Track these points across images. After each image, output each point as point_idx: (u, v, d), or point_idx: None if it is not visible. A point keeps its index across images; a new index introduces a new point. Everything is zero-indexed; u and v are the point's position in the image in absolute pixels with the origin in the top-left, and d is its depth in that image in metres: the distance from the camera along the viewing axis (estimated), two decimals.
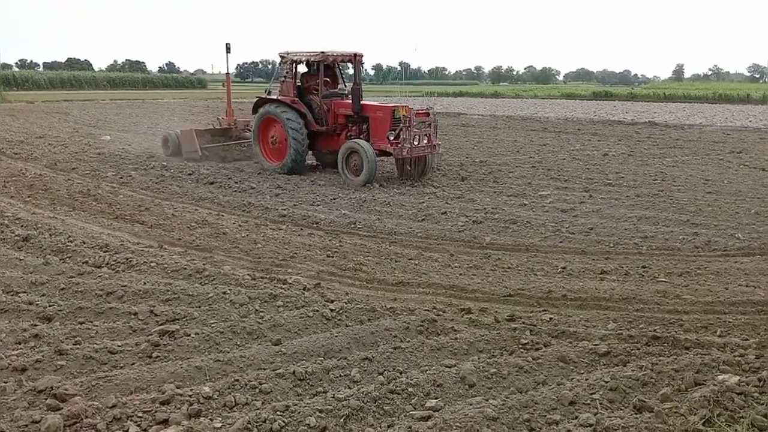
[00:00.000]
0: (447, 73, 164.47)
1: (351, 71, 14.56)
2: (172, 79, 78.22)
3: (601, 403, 3.92)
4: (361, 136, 12.80)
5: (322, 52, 13.16)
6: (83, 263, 6.67)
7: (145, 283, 5.98)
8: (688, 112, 36.11)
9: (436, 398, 3.99)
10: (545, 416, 3.77)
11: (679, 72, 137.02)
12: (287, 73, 13.48)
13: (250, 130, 15.07)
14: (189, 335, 4.85)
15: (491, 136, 22.51)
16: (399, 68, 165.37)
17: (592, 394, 4.01)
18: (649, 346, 4.89)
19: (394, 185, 12.17)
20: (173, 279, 6.23)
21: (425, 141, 12.50)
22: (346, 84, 14.39)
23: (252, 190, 11.38)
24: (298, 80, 13.62)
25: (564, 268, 7.03)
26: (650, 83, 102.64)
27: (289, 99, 13.27)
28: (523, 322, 5.36)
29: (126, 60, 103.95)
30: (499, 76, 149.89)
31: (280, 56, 13.66)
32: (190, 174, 12.71)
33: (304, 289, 5.97)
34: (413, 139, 12.19)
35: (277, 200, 10.59)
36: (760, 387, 4.10)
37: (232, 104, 16.69)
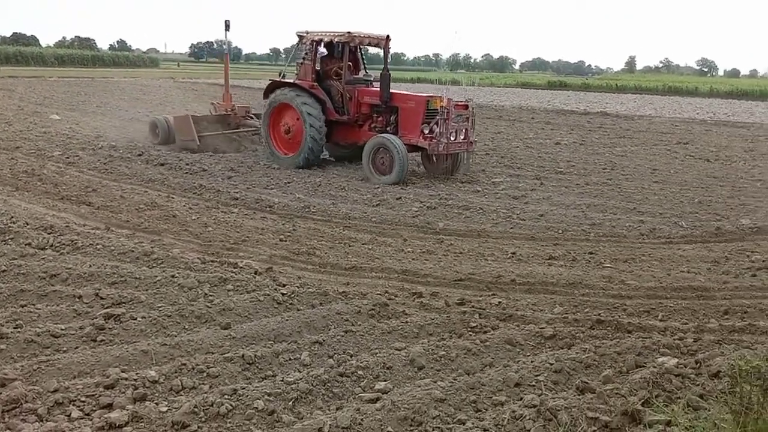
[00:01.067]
0: (405, 59, 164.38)
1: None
2: (123, 57, 75.87)
3: (545, 385, 4.02)
4: (388, 129, 11.61)
5: (349, 33, 11.77)
6: (26, 245, 6.45)
7: (90, 266, 5.83)
8: (638, 104, 37.07)
9: (385, 381, 4.02)
10: (491, 397, 3.85)
11: (631, 64, 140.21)
12: (306, 54, 12.12)
13: (252, 117, 14.15)
14: (135, 319, 4.77)
15: None
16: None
17: (537, 375, 4.11)
18: (593, 329, 5.03)
19: (350, 169, 12.14)
20: (120, 262, 6.09)
21: (462, 136, 11.35)
22: (367, 70, 13.19)
23: (204, 172, 11.17)
24: (317, 63, 12.26)
25: (514, 253, 7.16)
26: (603, 74, 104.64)
27: (307, 83, 11.96)
28: (473, 306, 5.44)
29: (75, 37, 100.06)
30: (456, 63, 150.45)
31: (299, 36, 12.30)
32: (139, 155, 12.39)
33: (255, 273, 5.92)
34: (450, 134, 11.06)
35: (230, 183, 10.43)
36: (696, 369, 4.27)
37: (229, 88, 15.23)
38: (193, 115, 13.91)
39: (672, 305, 5.68)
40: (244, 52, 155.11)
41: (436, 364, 4.29)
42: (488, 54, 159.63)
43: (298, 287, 5.58)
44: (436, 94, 11.80)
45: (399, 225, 8.25)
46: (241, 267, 6.10)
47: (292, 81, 12.25)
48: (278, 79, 12.65)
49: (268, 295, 5.26)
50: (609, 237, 8.03)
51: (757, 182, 12.37)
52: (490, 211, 9.13)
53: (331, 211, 8.78)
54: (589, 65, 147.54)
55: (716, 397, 3.66)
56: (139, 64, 73.27)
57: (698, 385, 4.02)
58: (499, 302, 5.60)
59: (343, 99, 12.03)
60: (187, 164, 11.68)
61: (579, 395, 3.88)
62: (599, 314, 5.35)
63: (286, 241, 7.30)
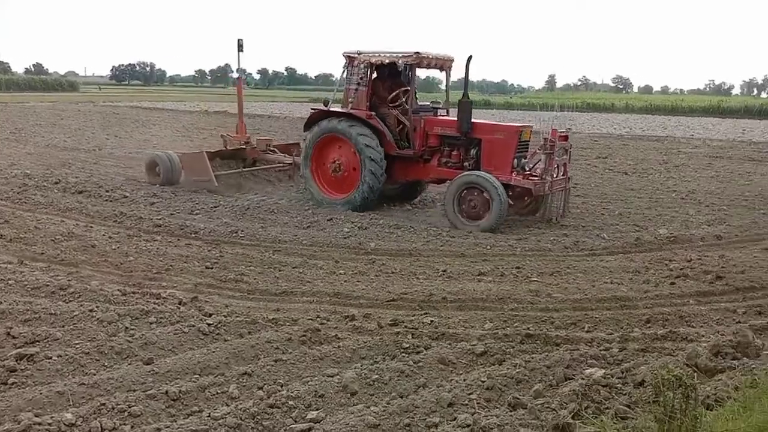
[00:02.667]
0: (334, 79, 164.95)
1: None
2: (39, 81, 72.79)
3: (478, 403, 4.03)
4: (466, 164, 10.06)
5: (417, 53, 10.11)
6: None
7: (1, 303, 5.47)
8: (559, 120, 38.21)
9: (317, 409, 3.93)
10: (425, 419, 3.82)
11: (551, 82, 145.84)
12: (361, 79, 10.37)
13: (274, 151, 12.72)
14: (50, 358, 4.49)
15: None
16: (285, 73, 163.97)
17: (469, 394, 4.11)
18: (523, 344, 5.09)
19: (280, 190, 11.96)
20: (34, 297, 5.76)
21: (561, 173, 9.94)
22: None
23: (125, 198, 10.75)
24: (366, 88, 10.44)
25: (445, 270, 7.20)
26: (525, 93, 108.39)
27: (363, 113, 10.25)
28: (406, 326, 5.41)
29: None
30: None
31: (348, 57, 10.54)
32: (56, 183, 11.80)
33: (179, 304, 5.71)
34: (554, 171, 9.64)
35: (152, 209, 10.06)
36: (622, 379, 4.38)
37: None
38: (207, 152, 12.08)
39: (597, 316, 5.84)
40: (168, 74, 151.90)
41: (369, 388, 4.22)
42: (416, 76, 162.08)
43: (225, 316, 5.42)
44: (526, 124, 10.68)
45: (330, 246, 8.17)
46: (165, 298, 5.88)
47: (344, 110, 10.55)
48: (324, 108, 10.80)
49: (194, 326, 5.07)
50: (535, 251, 8.21)
51: (672, 193, 13.01)
52: (420, 230, 9.18)
53: (260, 235, 8.60)
54: (512, 84, 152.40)
55: (642, 406, 3.75)
56: (57, 87, 70.37)
57: (625, 394, 4.13)
58: (432, 321, 5.60)
59: (404, 130, 10.37)
60: (108, 191, 11.21)
61: (511, 411, 3.90)
62: (528, 328, 5.43)
63: (212, 268, 7.09)
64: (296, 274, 6.99)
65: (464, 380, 4.31)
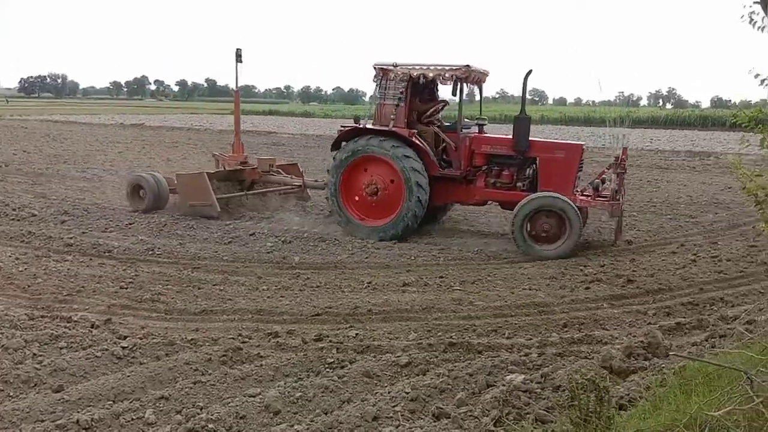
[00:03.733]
0: (256, 91, 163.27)
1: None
2: None
3: (402, 415, 4.03)
4: (519, 185, 9.41)
5: (468, 66, 9.30)
6: None
7: None
8: (609, 137, 39.10)
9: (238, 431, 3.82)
10: None
11: (471, 95, 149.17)
12: (400, 93, 9.43)
13: (280, 173, 11.74)
14: None
15: (302, 155, 22.60)
16: (205, 84, 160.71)
17: (394, 406, 4.11)
18: (446, 352, 5.15)
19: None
20: None
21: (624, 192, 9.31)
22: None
23: (33, 217, 10.17)
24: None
25: (370, 282, 7.21)
26: (449, 106, 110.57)
27: (406, 131, 9.38)
28: (330, 341, 5.37)
29: None
30: (308, 95, 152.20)
31: (381, 69, 9.56)
32: None
33: (92, 327, 5.45)
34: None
35: (63, 228, 9.56)
36: (542, 383, 4.50)
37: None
38: (208, 172, 10.83)
39: (517, 322, 5.99)
40: (81, 86, 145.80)
41: (293, 406, 4.15)
42: (339, 87, 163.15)
43: (140, 338, 5.22)
44: (577, 141, 10.08)
45: (253, 262, 8.01)
46: (76, 321, 5.59)
47: (384, 128, 9.47)
48: (357, 125, 9.76)
49: (107, 349, 4.85)
50: (457, 260, 8.36)
51: None
52: (345, 242, 9.16)
53: (179, 252, 8.33)
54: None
55: (560, 409, 3.86)
56: None
57: (544, 398, 4.24)
58: (357, 334, 5.57)
59: (444, 149, 9.71)
60: (14, 209, 10.58)
61: (435, 422, 3.93)
62: (451, 337, 5.50)
63: (127, 288, 6.79)
64: (216, 291, 6.80)
65: (389, 393, 4.31)
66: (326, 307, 6.28)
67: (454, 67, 9.31)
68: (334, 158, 9.78)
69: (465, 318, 6.08)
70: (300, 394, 4.27)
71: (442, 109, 10.18)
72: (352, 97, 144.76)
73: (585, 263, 8.20)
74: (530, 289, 7.04)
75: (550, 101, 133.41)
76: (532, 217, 8.65)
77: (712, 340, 5.13)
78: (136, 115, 49.64)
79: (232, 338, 5.37)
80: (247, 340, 5.37)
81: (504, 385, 4.36)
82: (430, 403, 4.17)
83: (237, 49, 11.55)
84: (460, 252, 8.75)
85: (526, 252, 8.64)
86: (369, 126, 9.68)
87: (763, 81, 4.02)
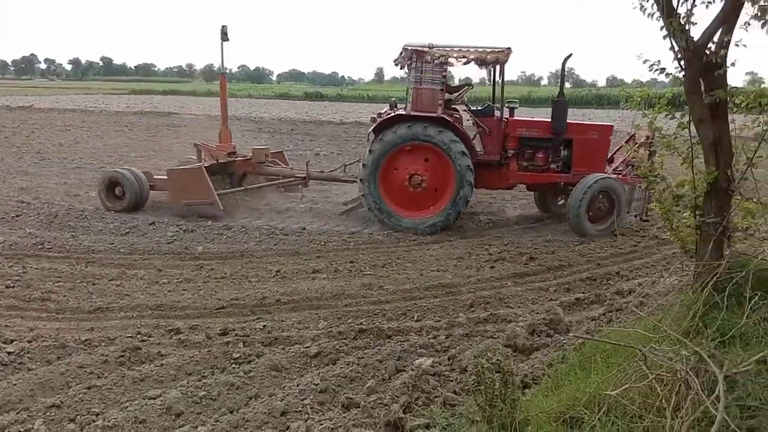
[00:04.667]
0: (156, 69, 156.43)
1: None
2: None
3: (312, 408, 3.95)
4: (553, 167, 9.37)
5: (510, 49, 8.95)
6: None
7: None
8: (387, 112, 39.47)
9: None
10: None
11: (380, 75, 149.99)
12: (443, 77, 9.02)
13: (277, 163, 10.93)
14: None
15: (205, 137, 21.76)
16: (101, 63, 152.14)
17: (303, 399, 4.02)
18: (357, 339, 5.12)
19: (91, 189, 10.91)
20: None
21: None
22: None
23: None
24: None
25: (278, 271, 7.04)
26: (356, 85, 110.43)
27: (450, 116, 9.06)
28: (236, 335, 5.19)
29: None
30: (212, 74, 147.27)
31: (416, 51, 8.96)
32: None
33: None
34: None
35: None
36: (450, 365, 4.56)
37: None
38: (205, 165, 9.75)
39: (426, 304, 6.04)
40: None
41: (196, 407, 3.97)
42: (244, 65, 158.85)
43: (29, 342, 4.86)
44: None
45: (152, 254, 7.62)
46: None
47: (431, 113, 8.92)
48: (397, 111, 9.27)
49: None
50: (368, 244, 8.34)
51: None
52: (252, 229, 8.91)
53: (71, 246, 7.80)
54: (343, 76, 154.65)
55: (467, 392, 3.91)
56: None
57: (452, 381, 4.29)
58: (264, 326, 5.42)
59: (481, 134, 9.45)
60: None
61: (345, 412, 3.88)
62: (361, 323, 5.47)
63: (13, 287, 6.28)
64: (113, 287, 6.42)
65: (297, 386, 4.22)
66: (232, 299, 6.07)
67: (496, 50, 8.98)
68: (371, 150, 9.05)
69: (375, 303, 6.07)
70: (204, 393, 4.10)
71: (466, 92, 9.96)
72: (259, 76, 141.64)
73: (490, 242, 8.40)
74: (438, 271, 7.13)
75: (457, 81, 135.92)
76: (593, 198, 8.68)
77: (609, 314, 5.37)
78: (25, 96, 46.20)
79: (130, 337, 5.09)
80: (146, 338, 5.10)
81: (413, 370, 4.37)
82: (339, 394, 4.12)
83: (222, 26, 10.42)
84: (371, 236, 8.73)
85: (579, 232, 8.69)
86: (402, 112, 9.17)
87: (651, 66, 4.18)
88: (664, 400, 2.65)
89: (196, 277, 6.82)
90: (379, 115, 9.73)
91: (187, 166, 9.97)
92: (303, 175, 10.39)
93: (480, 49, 8.98)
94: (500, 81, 9.35)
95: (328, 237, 8.59)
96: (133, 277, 6.73)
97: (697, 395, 2.57)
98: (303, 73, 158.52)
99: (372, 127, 9.22)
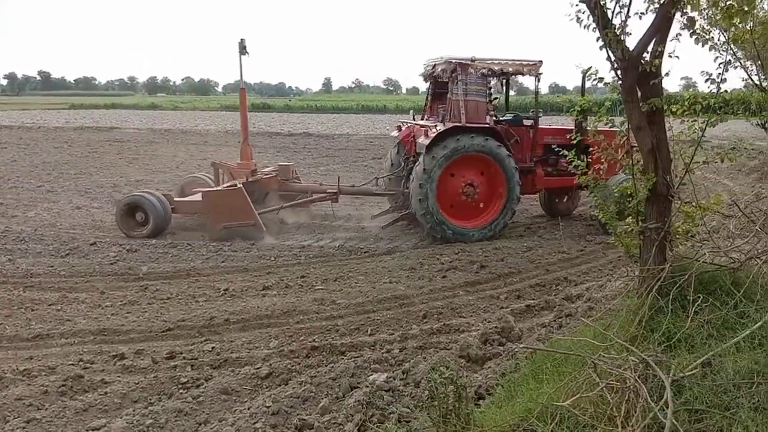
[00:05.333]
0: (96, 83, 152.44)
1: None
2: None
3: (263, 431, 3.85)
4: (576, 170, 9.45)
5: (541, 61, 9.47)
6: None
7: None
8: (336, 122, 39.56)
9: None
10: None
11: (327, 85, 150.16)
12: (489, 89, 9.53)
13: (299, 180, 10.88)
14: None
15: (149, 152, 21.33)
16: (38, 77, 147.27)
17: (254, 423, 3.91)
18: (309, 357, 5.03)
19: (29, 209, 10.49)
20: None
21: None
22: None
23: None
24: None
25: (227, 289, 6.87)
26: (304, 95, 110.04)
27: (501, 128, 9.49)
28: (184, 358, 5.04)
29: None
30: (155, 86, 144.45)
31: (460, 65, 9.06)
32: None
33: None
34: None
35: None
36: (404, 380, 4.52)
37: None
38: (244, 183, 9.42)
39: (379, 318, 6.00)
40: None
41: None
42: (188, 77, 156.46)
43: None
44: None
45: (94, 276, 7.33)
46: None
47: (486, 124, 9.17)
48: (459, 124, 9.09)
49: None
50: (319, 257, 8.25)
51: None
52: (199, 246, 8.69)
53: (8, 270, 7.44)
54: (290, 87, 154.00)
55: (421, 407, 3.88)
56: None
57: (407, 395, 4.25)
58: (213, 347, 5.28)
59: (515, 142, 9.72)
60: None
61: None
62: (314, 340, 5.38)
63: None
64: (53, 312, 6.14)
65: (249, 408, 4.10)
66: (179, 321, 5.89)
67: (530, 63, 9.46)
68: (424, 161, 8.95)
69: (328, 318, 5.99)
70: (151, 421, 3.94)
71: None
72: (204, 88, 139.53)
73: (441, 252, 8.43)
74: (390, 282, 7.10)
75: (404, 91, 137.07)
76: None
77: (559, 320, 5.44)
78: None
79: (72, 365, 4.87)
80: (89, 365, 4.89)
81: (367, 386, 4.31)
82: (292, 415, 4.02)
83: (241, 40, 10.21)
84: (321, 249, 8.64)
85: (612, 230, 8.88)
86: (456, 123, 9.10)
87: (590, 75, 4.27)
88: (614, 409, 2.68)
89: (140, 298, 6.59)
90: (403, 124, 10.52)
91: (224, 187, 9.66)
92: (334, 191, 10.29)
93: (517, 62, 9.48)
94: (535, 90, 10.07)
95: (278, 252, 8.46)
96: (75, 301, 6.46)
97: (647, 402, 2.60)
98: (249, 84, 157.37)
99: (429, 140, 9.02)
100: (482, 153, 9.05)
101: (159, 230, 9.29)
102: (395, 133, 11.02)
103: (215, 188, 9.80)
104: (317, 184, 11.05)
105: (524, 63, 9.49)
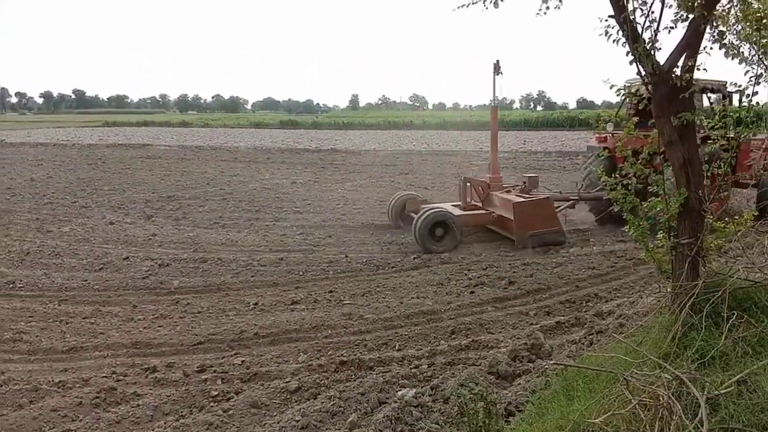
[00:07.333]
0: (129, 101, 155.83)
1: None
2: None
3: None
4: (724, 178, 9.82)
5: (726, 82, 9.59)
6: None
7: None
8: (364, 139, 39.78)
9: None
10: None
11: (354, 101, 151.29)
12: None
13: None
14: None
15: (180, 168, 21.71)
16: (73, 96, 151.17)
17: None
18: (337, 372, 5.05)
19: (64, 224, 10.75)
20: None
21: None
22: None
23: None
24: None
25: (256, 304, 6.95)
26: (331, 112, 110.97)
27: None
28: (215, 371, 5.10)
29: None
30: (186, 104, 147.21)
31: (657, 79, 9.57)
32: None
33: None
34: None
35: None
36: (432, 396, 4.50)
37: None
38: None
39: (407, 333, 5.99)
40: None
41: None
42: (218, 94, 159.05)
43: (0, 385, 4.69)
44: None
45: (127, 290, 7.48)
46: None
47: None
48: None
49: None
50: (346, 272, 8.27)
51: None
52: (229, 261, 8.80)
53: (43, 284, 7.63)
54: (318, 104, 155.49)
55: (450, 423, 3.86)
56: None
57: (435, 411, 4.23)
58: (243, 361, 5.33)
59: None
60: None
61: None
62: (342, 355, 5.40)
63: None
64: (87, 325, 6.27)
65: (278, 422, 4.13)
66: (209, 335, 5.96)
67: (720, 81, 9.69)
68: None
69: (355, 333, 6.00)
70: None
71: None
72: (233, 105, 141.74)
73: (469, 267, 8.39)
74: (418, 298, 7.09)
75: (430, 106, 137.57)
76: None
77: (590, 336, 5.37)
78: None
79: (105, 377, 4.96)
80: (121, 378, 4.98)
81: (396, 402, 4.31)
82: (321, 430, 4.05)
83: (496, 61, 10.59)
84: (349, 264, 8.67)
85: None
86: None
87: (618, 91, 4.26)
88: (648, 426, 2.64)
89: (172, 312, 6.70)
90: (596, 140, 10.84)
91: (533, 199, 9.95)
92: (576, 198, 10.81)
93: (714, 81, 9.60)
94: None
95: (306, 267, 8.51)
96: (108, 315, 6.59)
97: (681, 420, 2.56)
98: (278, 101, 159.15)
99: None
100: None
101: (457, 243, 9.55)
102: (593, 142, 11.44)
103: (524, 199, 9.98)
104: (558, 193, 11.43)
105: (718, 82, 9.65)
